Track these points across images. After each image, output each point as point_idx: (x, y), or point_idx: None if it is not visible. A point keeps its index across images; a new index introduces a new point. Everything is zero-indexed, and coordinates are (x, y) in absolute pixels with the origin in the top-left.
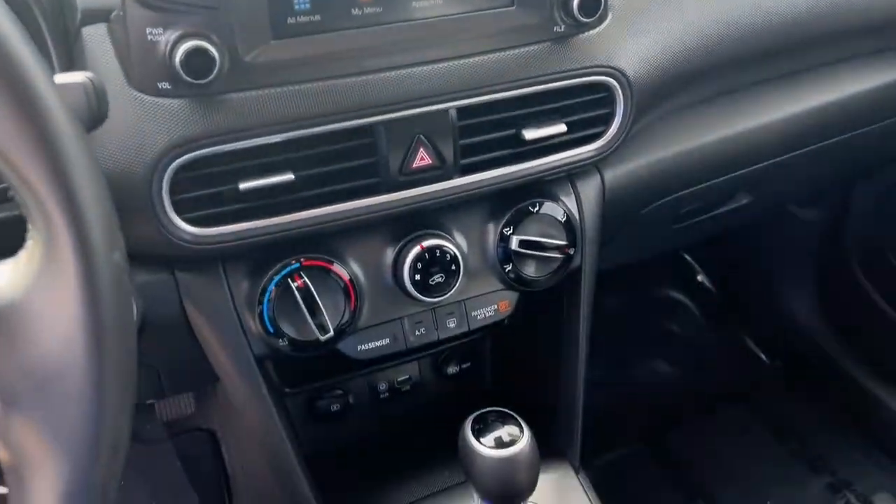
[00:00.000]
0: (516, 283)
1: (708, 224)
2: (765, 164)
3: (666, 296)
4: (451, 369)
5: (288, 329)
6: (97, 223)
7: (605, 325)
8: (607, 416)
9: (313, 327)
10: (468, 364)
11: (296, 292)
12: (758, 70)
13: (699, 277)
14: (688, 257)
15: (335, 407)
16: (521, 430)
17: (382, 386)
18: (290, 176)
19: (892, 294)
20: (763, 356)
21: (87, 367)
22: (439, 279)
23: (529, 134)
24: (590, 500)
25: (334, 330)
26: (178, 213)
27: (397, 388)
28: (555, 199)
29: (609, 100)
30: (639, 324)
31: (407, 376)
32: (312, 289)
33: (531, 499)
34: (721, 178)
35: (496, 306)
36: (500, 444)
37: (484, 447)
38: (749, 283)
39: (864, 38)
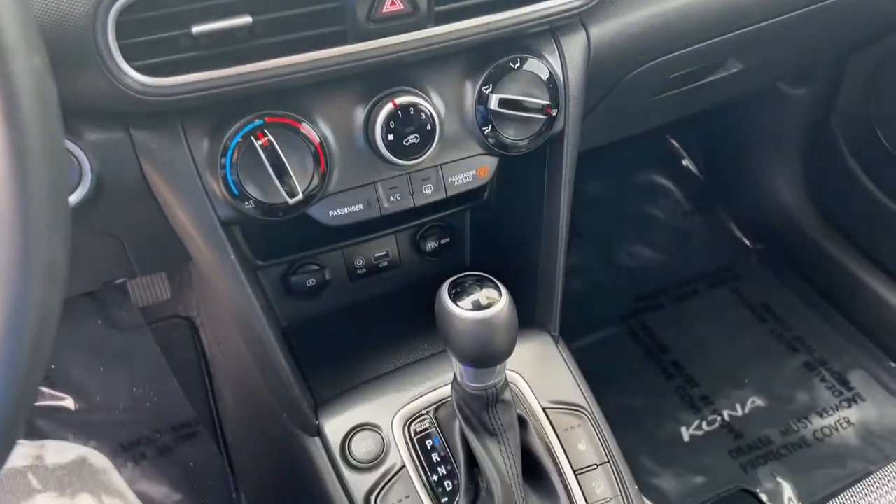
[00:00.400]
0: (496, 146)
1: (696, 95)
2: (757, 25)
3: (650, 180)
4: (430, 245)
5: (253, 191)
6: (11, 21)
7: (587, 210)
8: (588, 300)
9: (280, 189)
10: (447, 240)
11: (260, 151)
12: None
13: (684, 161)
14: (673, 141)
15: (311, 282)
16: (500, 293)
17: (359, 262)
18: (247, 19)
19: (879, 173)
20: (746, 240)
21: (6, 179)
22: (414, 140)
23: None
24: (568, 367)
25: (303, 194)
26: (127, 60)
27: (375, 263)
28: (537, 55)
29: None
30: (622, 208)
31: (384, 252)
32: (278, 148)
33: (510, 367)
34: (712, 41)
35: (475, 172)
36: (477, 306)
37: (461, 309)
38: (734, 166)
39: None
